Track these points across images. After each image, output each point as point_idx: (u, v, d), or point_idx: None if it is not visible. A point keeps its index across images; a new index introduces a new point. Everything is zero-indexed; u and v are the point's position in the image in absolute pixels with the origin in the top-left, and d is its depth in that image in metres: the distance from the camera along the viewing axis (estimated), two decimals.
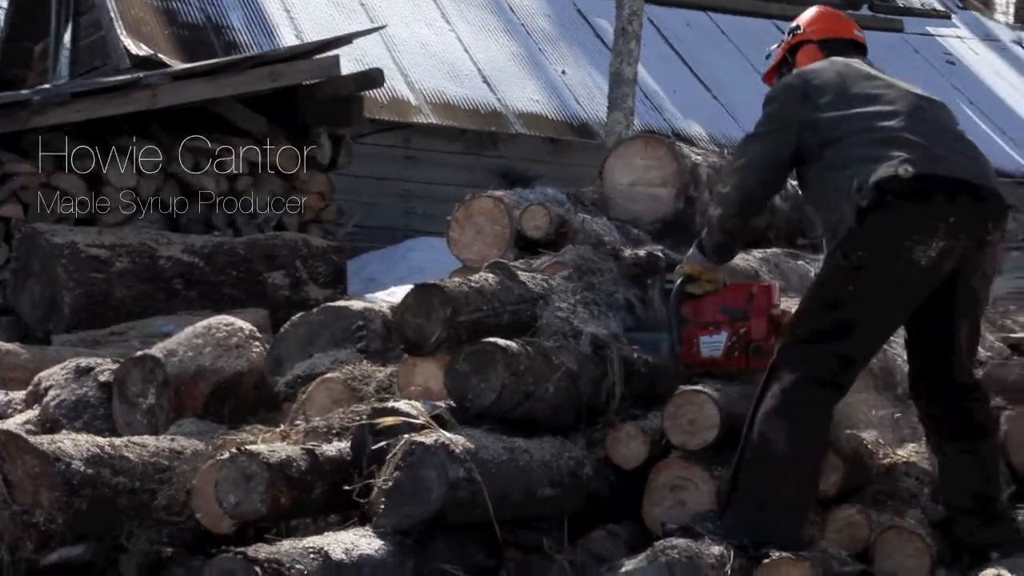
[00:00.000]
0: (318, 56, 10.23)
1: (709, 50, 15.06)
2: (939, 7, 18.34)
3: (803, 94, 4.82)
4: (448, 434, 4.41)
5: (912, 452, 4.92)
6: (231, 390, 5.86)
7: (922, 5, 18.24)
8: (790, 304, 5.17)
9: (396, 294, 8.91)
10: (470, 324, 4.78)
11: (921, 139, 4.65)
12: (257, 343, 6.06)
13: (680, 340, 5.11)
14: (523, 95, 13.43)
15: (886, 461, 4.90)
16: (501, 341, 4.71)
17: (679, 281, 5.12)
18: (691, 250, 5.11)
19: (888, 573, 4.51)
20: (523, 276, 5.09)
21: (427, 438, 4.36)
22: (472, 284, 4.88)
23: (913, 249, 4.53)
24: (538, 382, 4.74)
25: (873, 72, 4.93)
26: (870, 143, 4.67)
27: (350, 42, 10.79)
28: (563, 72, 13.86)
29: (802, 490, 4.59)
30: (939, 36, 17.44)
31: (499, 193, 5.96)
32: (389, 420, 4.52)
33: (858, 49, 5.15)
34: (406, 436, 4.39)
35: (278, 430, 5.37)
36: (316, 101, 10.12)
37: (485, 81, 13.43)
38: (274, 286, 8.77)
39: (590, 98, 13.50)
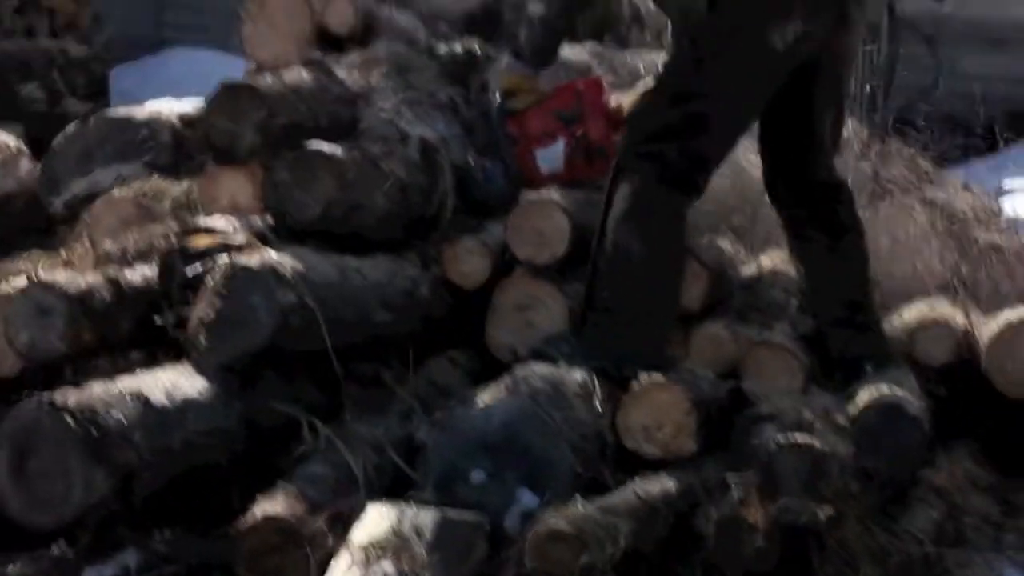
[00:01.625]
0: None
1: None
2: None
3: None
4: (274, 254, 3.85)
5: (776, 260, 4.51)
6: None
7: None
8: (621, 98, 4.72)
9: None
10: (287, 128, 4.21)
11: None
12: (26, 160, 5.43)
13: (515, 161, 4.60)
14: None
15: (749, 271, 4.49)
16: (325, 146, 4.15)
17: (497, 99, 4.60)
18: (504, 60, 4.59)
19: (758, 392, 4.11)
20: (341, 73, 4.52)
21: (251, 259, 3.79)
22: (286, 83, 4.30)
23: (768, 33, 4.07)
24: (367, 193, 4.21)
25: None
26: None
27: None
28: None
29: (664, 301, 4.15)
30: None
31: None
32: (204, 240, 3.94)
33: None
34: (226, 258, 3.82)
35: (60, 257, 4.77)
36: None
37: None
38: (28, 99, 7.98)
39: None
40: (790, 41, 4.11)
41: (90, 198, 5.00)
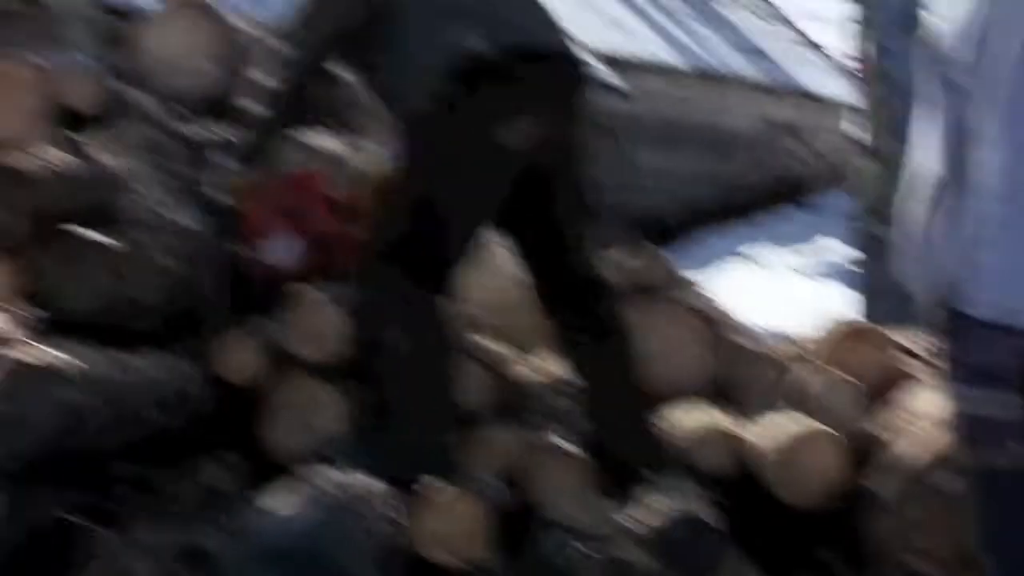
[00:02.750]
0: None
1: None
2: None
3: None
4: (52, 350, 3.61)
5: (551, 363, 4.44)
6: None
7: None
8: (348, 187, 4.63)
9: None
10: (52, 215, 3.97)
11: (489, 7, 4.15)
12: None
13: (247, 259, 4.43)
14: None
15: (525, 374, 4.41)
16: (98, 236, 3.93)
17: (219, 199, 4.45)
18: (223, 160, 4.46)
19: (543, 496, 4.03)
20: (100, 156, 4.29)
21: (28, 355, 3.55)
22: (50, 166, 4.06)
23: (498, 132, 4.04)
24: (138, 285, 4.01)
25: None
26: (434, 18, 4.12)
27: None
28: None
29: (439, 397, 4.05)
30: None
31: (35, 58, 5.06)
32: None
33: None
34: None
35: None
36: None
37: None
38: None
39: None
40: (519, 138, 4.08)
41: None
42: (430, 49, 4.06)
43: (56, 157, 4.15)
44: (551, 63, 4.17)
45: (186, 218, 4.34)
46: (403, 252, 4.03)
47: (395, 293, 4.03)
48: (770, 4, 19.66)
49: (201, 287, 4.29)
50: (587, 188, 4.36)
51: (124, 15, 11.18)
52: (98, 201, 4.17)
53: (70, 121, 4.94)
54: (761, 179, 13.21)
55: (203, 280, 4.29)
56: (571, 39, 4.34)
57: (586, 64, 4.41)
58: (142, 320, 4.06)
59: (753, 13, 18.97)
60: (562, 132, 4.19)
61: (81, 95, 4.95)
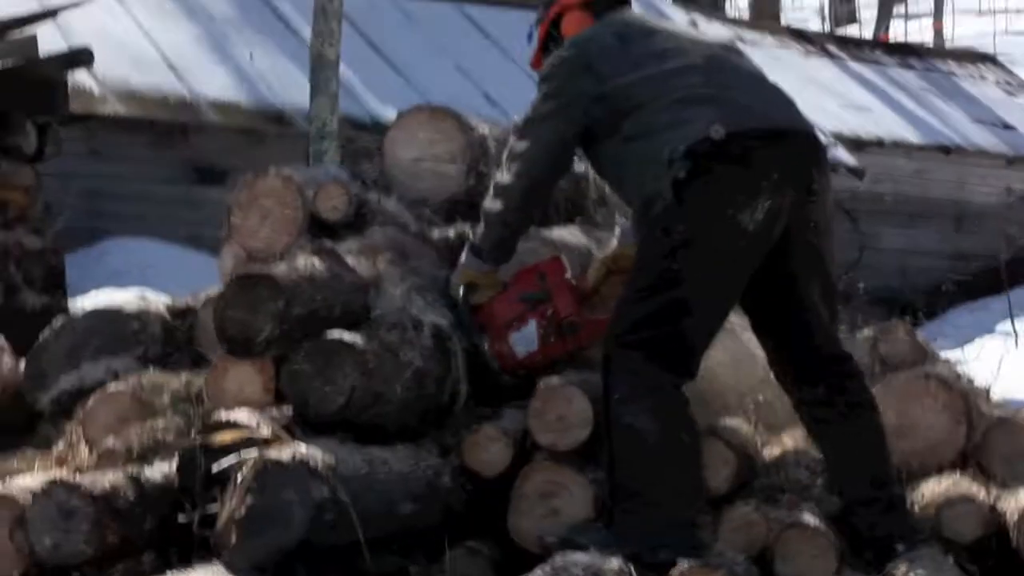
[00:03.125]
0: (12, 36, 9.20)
1: (395, 33, 14.49)
2: None
3: (584, 65, 4.31)
4: (304, 447, 3.75)
5: (797, 439, 4.45)
6: None
7: None
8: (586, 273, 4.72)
9: (102, 300, 8.09)
10: (303, 317, 4.13)
11: (725, 92, 4.22)
12: (7, 355, 5.26)
13: (492, 351, 4.54)
14: (213, 83, 12.62)
15: (772, 451, 4.43)
16: (346, 336, 4.07)
17: (461, 295, 4.55)
18: (463, 257, 4.56)
19: (792, 573, 4.05)
20: (351, 261, 4.45)
21: (282, 453, 3.69)
22: (301, 272, 4.22)
23: (737, 215, 4.08)
24: (387, 382, 4.13)
25: (651, 24, 4.46)
26: (671, 106, 4.19)
27: (54, 16, 9.84)
28: (251, 57, 13.08)
29: (688, 478, 4.08)
30: None
31: (287, 171, 5.29)
32: (228, 435, 3.82)
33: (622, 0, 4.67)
34: (254, 453, 3.71)
35: (54, 455, 4.64)
36: (14, 85, 9.05)
37: (171, 68, 12.57)
38: None
39: (283, 85, 12.79)
40: (760, 219, 4.10)
41: (79, 394, 4.88)
42: (668, 137, 4.13)
43: (308, 263, 4.29)
44: (788, 144, 4.21)
45: (433, 315, 4.45)
46: (647, 337, 4.09)
47: (640, 378, 4.09)
48: (1013, 74, 19.35)
49: (449, 382, 4.40)
50: (830, 265, 4.37)
51: (370, 129, 11.58)
52: (348, 303, 4.31)
53: (321, 229, 5.17)
54: (1008, 252, 12.98)
55: (451, 375, 4.40)
56: (809, 121, 4.38)
57: (824, 144, 4.43)
58: (391, 416, 4.17)
59: (997, 85, 18.70)
60: (802, 211, 4.22)
61: (331, 204, 5.15)
